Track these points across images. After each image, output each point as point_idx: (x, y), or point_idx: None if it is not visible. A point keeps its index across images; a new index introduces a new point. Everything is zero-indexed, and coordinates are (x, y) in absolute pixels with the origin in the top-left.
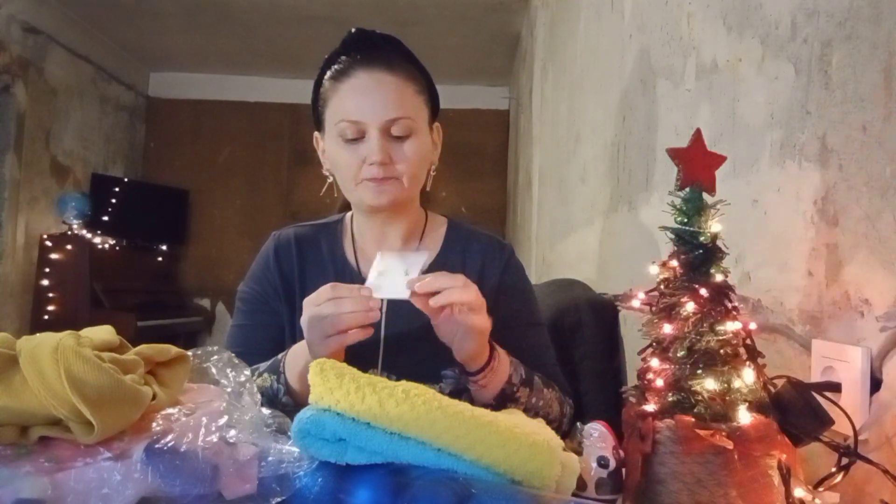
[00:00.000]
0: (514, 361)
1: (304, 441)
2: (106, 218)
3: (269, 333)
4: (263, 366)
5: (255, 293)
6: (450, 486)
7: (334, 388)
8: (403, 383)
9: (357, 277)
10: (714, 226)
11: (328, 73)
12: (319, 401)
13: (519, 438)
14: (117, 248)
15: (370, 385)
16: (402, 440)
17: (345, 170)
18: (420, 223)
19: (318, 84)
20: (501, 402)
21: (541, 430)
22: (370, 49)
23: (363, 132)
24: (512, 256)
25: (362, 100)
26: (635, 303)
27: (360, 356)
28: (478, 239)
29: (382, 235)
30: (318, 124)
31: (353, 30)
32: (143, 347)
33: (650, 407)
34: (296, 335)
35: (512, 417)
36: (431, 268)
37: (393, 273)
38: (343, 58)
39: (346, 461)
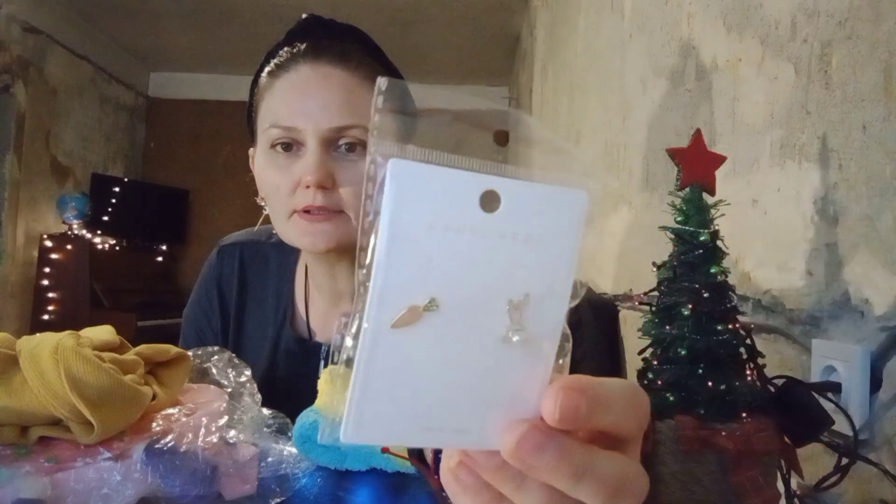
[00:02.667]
0: None
1: (304, 446)
2: (106, 218)
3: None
4: None
5: (192, 324)
6: None
7: (340, 401)
8: None
9: (290, 317)
10: (714, 226)
11: (266, 69)
12: (324, 408)
13: None
14: (117, 248)
15: None
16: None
17: (274, 195)
18: None
19: (255, 83)
20: None
21: None
22: (321, 38)
23: (299, 143)
24: None
25: (300, 99)
26: (635, 303)
27: (292, 384)
28: None
29: (331, 280)
30: (253, 135)
31: (305, 16)
32: (143, 347)
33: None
34: None
35: None
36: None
37: None
38: (285, 49)
39: (345, 468)
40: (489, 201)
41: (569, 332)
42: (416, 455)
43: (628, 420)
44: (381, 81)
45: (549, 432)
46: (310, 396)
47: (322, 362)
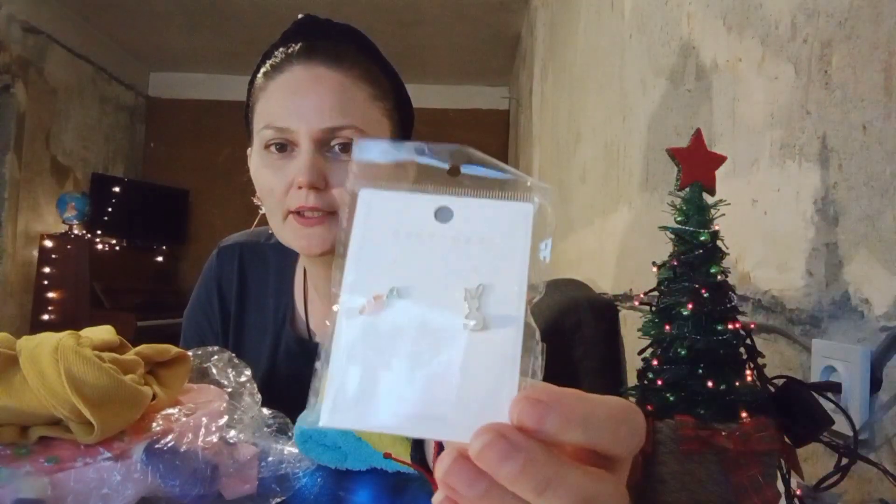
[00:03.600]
0: None
1: (305, 445)
2: (106, 218)
3: None
4: None
5: (193, 325)
6: None
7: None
8: None
9: (290, 318)
10: (714, 226)
11: (262, 69)
12: None
13: None
14: (117, 248)
15: None
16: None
17: (267, 195)
18: None
19: (251, 83)
20: None
21: None
22: (315, 38)
23: (293, 144)
24: None
25: (293, 100)
26: (635, 303)
27: (294, 384)
28: None
29: (328, 281)
30: (250, 136)
31: (301, 16)
32: (143, 347)
33: (650, 407)
34: None
35: None
36: None
37: None
38: (280, 50)
39: (346, 467)
40: (444, 216)
41: (536, 329)
42: (419, 460)
43: (614, 440)
44: (356, 143)
45: (516, 442)
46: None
47: None
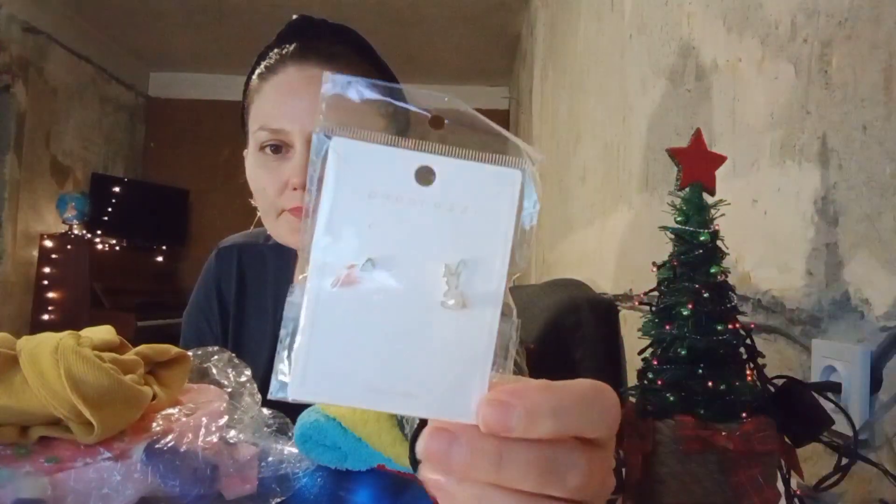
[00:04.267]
0: None
1: (304, 445)
2: (106, 218)
3: None
4: None
5: (192, 326)
6: None
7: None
8: (412, 419)
9: None
10: (714, 226)
11: (256, 71)
12: (327, 408)
13: None
14: (117, 248)
15: (375, 412)
16: (401, 458)
17: (261, 195)
18: None
19: (246, 84)
20: None
21: None
22: (309, 39)
23: (287, 145)
24: None
25: (287, 102)
26: (635, 303)
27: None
28: None
29: None
30: (246, 137)
31: (295, 17)
32: (143, 347)
33: (650, 407)
34: None
35: None
36: None
37: None
38: (275, 51)
39: (346, 467)
40: (424, 176)
41: (513, 307)
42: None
43: (586, 424)
44: (326, 75)
45: (455, 434)
46: None
47: None
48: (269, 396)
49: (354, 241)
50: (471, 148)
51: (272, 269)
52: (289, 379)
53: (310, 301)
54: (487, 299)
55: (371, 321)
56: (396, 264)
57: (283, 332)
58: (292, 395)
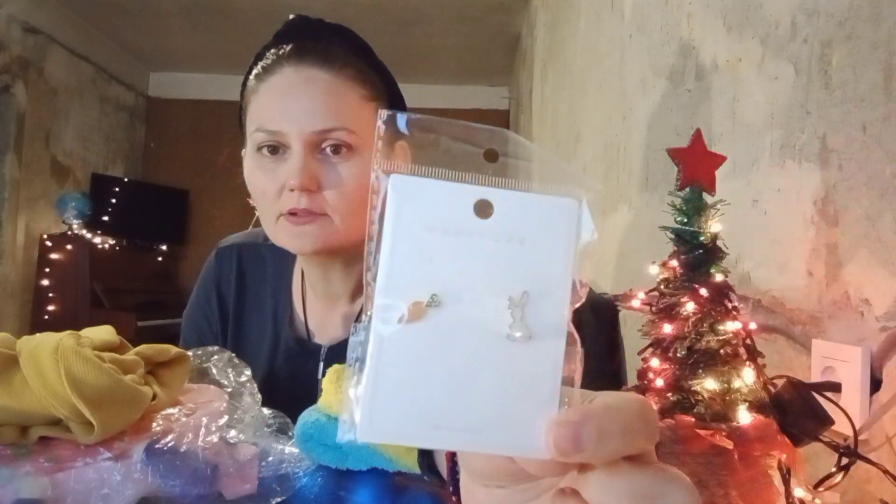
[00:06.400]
0: None
1: (306, 445)
2: (106, 218)
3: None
4: None
5: (192, 326)
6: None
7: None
8: None
9: (289, 318)
10: (714, 226)
11: (253, 71)
12: (327, 408)
13: None
14: (117, 248)
15: None
16: (403, 465)
17: (260, 198)
18: None
19: (244, 85)
20: None
21: None
22: (305, 39)
23: (285, 146)
24: None
25: (284, 103)
26: (635, 303)
27: (297, 383)
28: None
29: (325, 282)
30: (244, 139)
31: (292, 17)
32: (143, 347)
33: None
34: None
35: None
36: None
37: None
38: (272, 51)
39: (346, 467)
40: (483, 209)
41: (577, 337)
42: (427, 466)
43: (641, 439)
44: (382, 113)
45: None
46: (310, 396)
47: (321, 363)
48: (338, 440)
49: (417, 277)
50: (526, 179)
51: (271, 268)
52: (357, 420)
53: (375, 341)
54: (552, 330)
55: (436, 358)
56: (460, 299)
57: (348, 371)
58: (361, 438)
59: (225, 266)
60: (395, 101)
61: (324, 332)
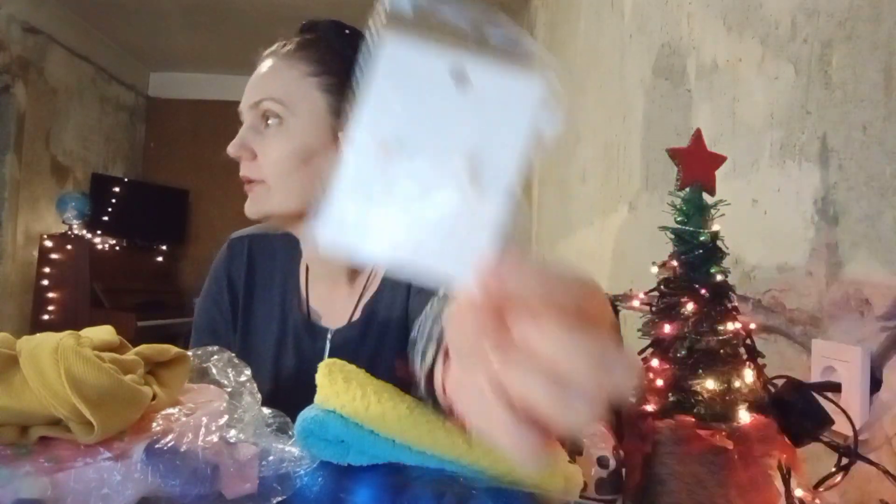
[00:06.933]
0: None
1: (306, 441)
2: (106, 218)
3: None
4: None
5: (205, 315)
6: (450, 486)
7: (340, 391)
8: (409, 399)
9: (296, 304)
10: (714, 226)
11: None
12: (325, 402)
13: None
14: (117, 248)
15: (376, 394)
16: (404, 447)
17: None
18: None
19: None
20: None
21: None
22: (291, 38)
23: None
24: None
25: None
26: (635, 303)
27: (303, 369)
28: None
29: (321, 262)
30: None
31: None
32: (143, 347)
33: (650, 407)
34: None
35: None
36: (384, 294)
37: None
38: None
39: (347, 462)
40: (459, 74)
41: (526, 207)
42: (432, 395)
43: (566, 313)
44: None
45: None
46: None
47: (328, 345)
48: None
49: (390, 119)
50: (502, 54)
51: (281, 257)
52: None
53: (345, 164)
54: (500, 190)
55: (394, 194)
56: (423, 146)
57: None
58: (322, 244)
59: (236, 255)
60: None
61: (330, 316)
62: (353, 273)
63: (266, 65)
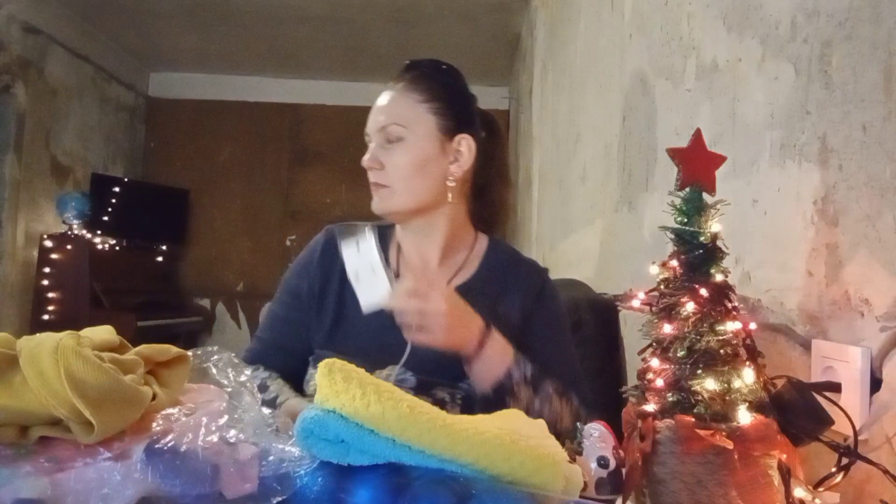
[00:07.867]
0: (519, 359)
1: (306, 441)
2: (106, 218)
3: (295, 330)
4: (267, 391)
5: (292, 287)
6: (450, 485)
7: (340, 391)
8: (409, 397)
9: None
10: (714, 226)
11: None
12: (325, 402)
13: (524, 452)
14: (117, 248)
15: (376, 393)
16: (404, 447)
17: None
18: (463, 239)
19: None
20: (500, 395)
21: (545, 441)
22: (402, 73)
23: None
24: (547, 282)
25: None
26: (635, 303)
27: (386, 351)
28: (517, 262)
29: (417, 247)
30: None
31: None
32: (143, 347)
33: (650, 407)
34: (316, 333)
35: (513, 422)
36: (472, 286)
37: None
38: None
39: (347, 462)
40: None
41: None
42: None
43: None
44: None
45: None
46: (400, 355)
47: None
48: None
49: None
50: None
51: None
52: None
53: None
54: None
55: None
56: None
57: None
58: None
59: (330, 244)
60: (452, 105)
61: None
62: (442, 261)
63: (385, 97)
